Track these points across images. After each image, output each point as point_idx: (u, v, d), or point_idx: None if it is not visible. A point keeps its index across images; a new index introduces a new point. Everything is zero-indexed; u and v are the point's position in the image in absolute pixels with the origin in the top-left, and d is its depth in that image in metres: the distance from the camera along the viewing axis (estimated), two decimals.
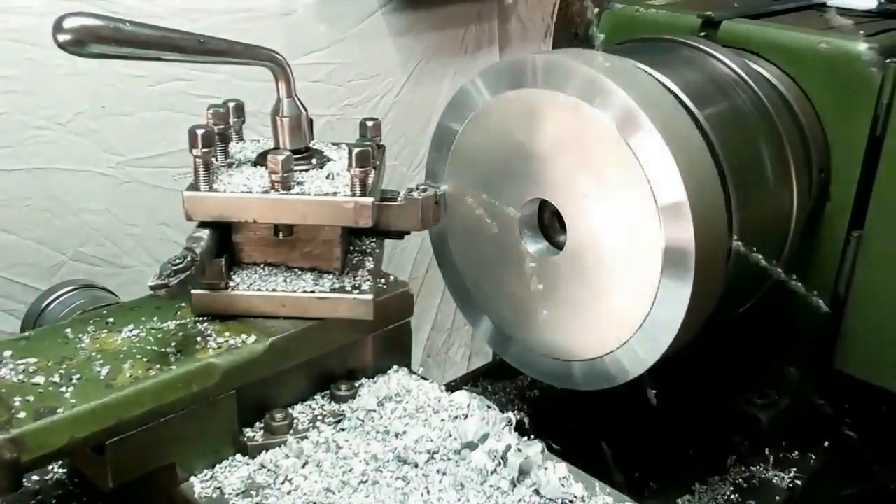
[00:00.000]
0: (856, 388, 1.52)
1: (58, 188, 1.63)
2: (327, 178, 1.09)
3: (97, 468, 0.95)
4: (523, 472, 1.00)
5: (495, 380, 1.76)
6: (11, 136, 1.56)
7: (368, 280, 1.12)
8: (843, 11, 1.72)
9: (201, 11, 1.72)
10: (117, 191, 1.71)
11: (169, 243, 1.79)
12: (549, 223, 1.30)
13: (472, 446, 1.02)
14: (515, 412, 1.11)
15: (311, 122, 1.15)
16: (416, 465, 1.00)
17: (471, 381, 1.76)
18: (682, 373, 1.43)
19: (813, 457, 1.57)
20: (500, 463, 1.00)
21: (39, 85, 1.56)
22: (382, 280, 1.18)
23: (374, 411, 1.09)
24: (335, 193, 1.06)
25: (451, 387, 1.58)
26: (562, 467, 1.02)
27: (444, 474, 0.98)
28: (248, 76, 1.78)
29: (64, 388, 0.93)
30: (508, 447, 1.01)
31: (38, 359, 0.98)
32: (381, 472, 0.99)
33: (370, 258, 1.16)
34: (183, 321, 1.08)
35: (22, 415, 0.88)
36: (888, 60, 1.39)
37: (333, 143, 1.21)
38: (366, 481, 0.97)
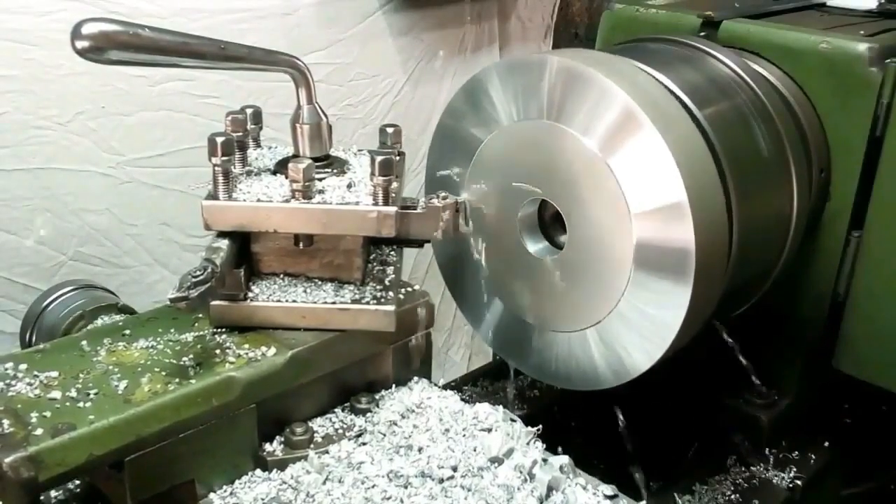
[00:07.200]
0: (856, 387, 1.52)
1: (58, 188, 1.63)
2: (348, 186, 1.08)
3: (115, 485, 0.93)
4: (551, 489, 0.98)
5: (495, 380, 1.76)
6: (11, 136, 1.56)
7: (390, 290, 1.10)
8: (843, 11, 1.72)
9: (202, 11, 1.72)
10: (117, 191, 1.71)
11: (169, 243, 1.79)
12: (550, 223, 1.30)
13: (497, 461, 1.01)
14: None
15: (330, 129, 1.13)
16: (441, 481, 0.98)
17: (471, 381, 1.76)
18: (682, 373, 1.43)
19: (813, 457, 1.57)
20: (526, 479, 0.99)
21: (39, 85, 1.56)
22: (402, 290, 1.17)
23: (396, 424, 1.07)
24: (357, 203, 1.05)
25: (452, 387, 1.58)
26: (595, 483, 1.01)
27: (469, 490, 0.97)
28: (247, 76, 1.78)
29: (81, 404, 0.91)
30: (535, 462, 1.00)
31: (55, 372, 0.97)
32: (406, 488, 0.97)
33: (390, 268, 1.15)
34: (201, 333, 1.06)
35: (39, 431, 0.86)
36: (888, 60, 1.39)
37: (358, 150, 1.19)
38: (389, 498, 0.95)
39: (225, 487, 1.01)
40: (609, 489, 1.01)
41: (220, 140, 1.01)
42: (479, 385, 1.75)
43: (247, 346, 1.04)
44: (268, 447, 1.05)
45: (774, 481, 1.52)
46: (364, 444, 1.05)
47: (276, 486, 1.00)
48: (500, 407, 1.10)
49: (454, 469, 0.99)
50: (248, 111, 1.19)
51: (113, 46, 0.92)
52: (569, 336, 1.26)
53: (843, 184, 1.46)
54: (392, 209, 1.04)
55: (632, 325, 1.18)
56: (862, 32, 1.48)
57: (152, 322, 1.09)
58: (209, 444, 0.98)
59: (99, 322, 1.27)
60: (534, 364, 1.34)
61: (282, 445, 1.05)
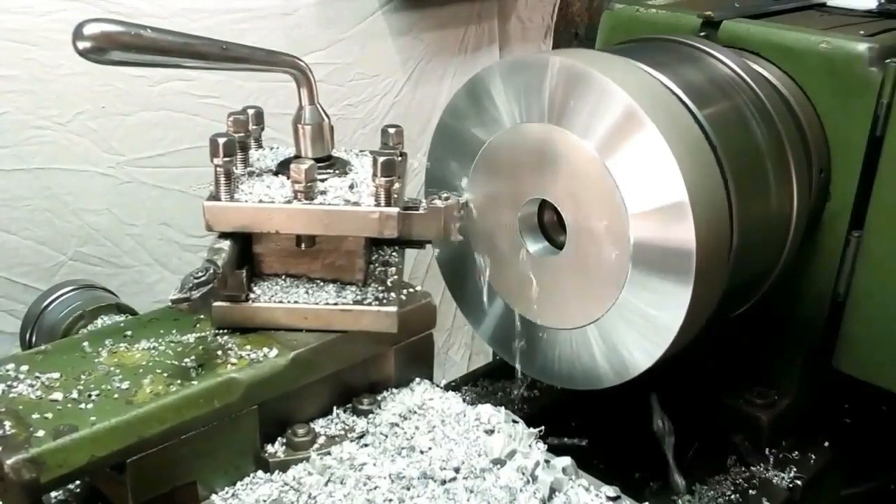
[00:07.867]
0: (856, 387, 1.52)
1: (58, 188, 1.63)
2: (350, 187, 1.08)
3: (117, 487, 0.93)
4: (553, 490, 0.98)
5: (495, 380, 1.76)
6: (11, 136, 1.56)
7: (392, 291, 1.10)
8: (843, 11, 1.72)
9: (202, 11, 1.73)
10: (117, 191, 1.71)
11: (169, 243, 1.79)
12: (550, 223, 1.30)
13: (499, 463, 1.01)
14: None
15: (332, 129, 1.13)
16: (443, 483, 0.98)
17: (471, 381, 1.76)
18: (682, 373, 1.43)
19: (813, 457, 1.57)
20: (528, 480, 0.99)
21: (39, 85, 1.56)
22: (404, 291, 1.17)
23: (398, 426, 1.07)
24: (359, 203, 1.05)
25: (452, 387, 1.58)
26: (598, 485, 1.01)
27: (471, 492, 0.97)
28: (247, 76, 1.78)
29: (83, 405, 0.91)
30: (537, 464, 1.00)
31: (56, 374, 0.96)
32: (408, 490, 0.97)
33: (392, 269, 1.15)
34: (203, 334, 1.06)
35: (41, 433, 0.86)
36: (888, 60, 1.39)
37: (360, 150, 1.19)
38: (391, 499, 0.95)
39: (227, 489, 1.00)
40: (612, 490, 1.01)
41: (222, 141, 1.01)
42: (479, 385, 1.75)
43: (248, 347, 1.04)
44: (269, 448, 1.05)
45: (774, 481, 1.52)
46: (366, 445, 1.05)
47: (277, 487, 1.00)
48: (503, 408, 1.10)
49: (456, 470, 0.99)
50: (250, 112, 1.18)
51: (115, 47, 0.92)
52: (570, 335, 1.27)
53: (843, 184, 1.46)
54: (394, 210, 1.04)
55: (632, 324, 1.18)
56: (862, 32, 1.48)
57: (154, 323, 1.09)
58: (211, 446, 0.97)
59: (99, 322, 1.27)
60: (535, 364, 1.34)
61: (283, 447, 1.05)
